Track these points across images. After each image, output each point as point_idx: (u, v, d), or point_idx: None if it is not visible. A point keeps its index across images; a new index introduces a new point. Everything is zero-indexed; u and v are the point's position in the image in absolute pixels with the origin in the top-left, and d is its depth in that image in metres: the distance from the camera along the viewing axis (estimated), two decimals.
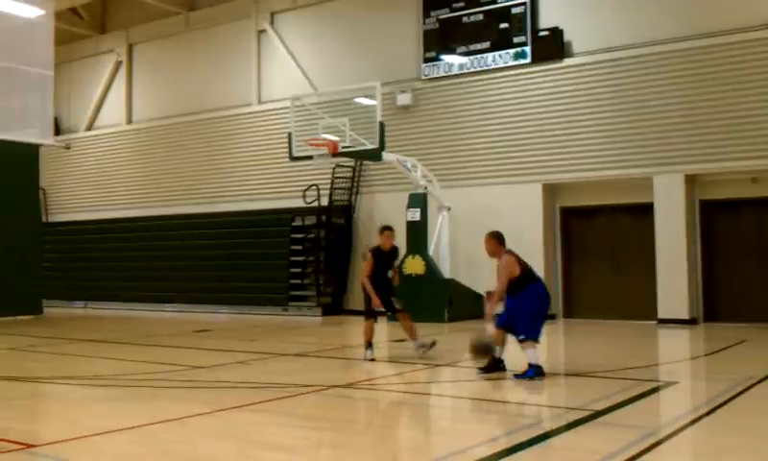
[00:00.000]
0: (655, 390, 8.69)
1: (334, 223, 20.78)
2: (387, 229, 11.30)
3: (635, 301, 17.19)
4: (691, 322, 16.30)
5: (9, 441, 6.15)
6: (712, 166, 16.31)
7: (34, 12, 19.64)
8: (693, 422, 7.04)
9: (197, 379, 9.35)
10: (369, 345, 11.02)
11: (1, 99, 20.17)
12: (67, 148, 26.20)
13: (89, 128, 27.26)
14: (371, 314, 11.06)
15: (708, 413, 7.42)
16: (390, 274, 11.17)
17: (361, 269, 11.20)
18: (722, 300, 16.63)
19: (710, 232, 16.90)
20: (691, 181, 16.74)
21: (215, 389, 8.80)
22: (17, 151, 19.72)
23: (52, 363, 11.75)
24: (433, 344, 11.06)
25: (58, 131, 25.33)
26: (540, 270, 17.48)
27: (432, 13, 19.73)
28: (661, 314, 16.51)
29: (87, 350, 13.19)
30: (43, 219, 24.64)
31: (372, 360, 10.83)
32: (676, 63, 16.65)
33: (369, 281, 10.97)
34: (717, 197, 16.76)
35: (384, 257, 11.14)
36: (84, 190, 27.17)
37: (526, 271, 9.36)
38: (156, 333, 16.04)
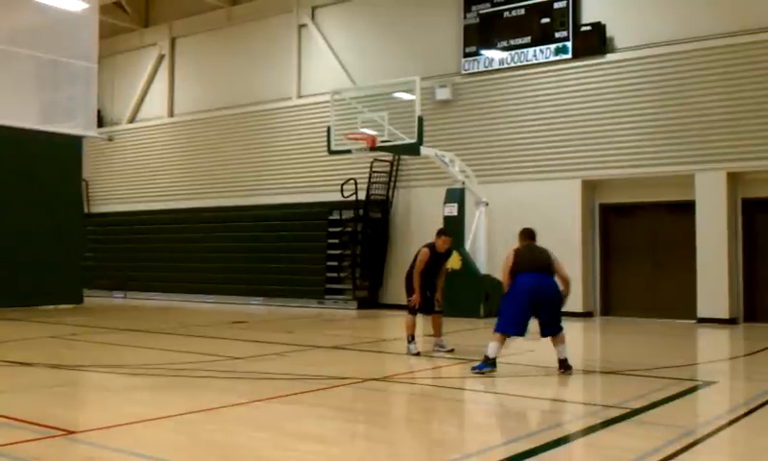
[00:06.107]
0: (693, 389, 8.61)
1: (371, 217, 20.83)
2: (444, 233, 11.41)
3: (674, 299, 17.00)
4: (731, 321, 16.08)
5: (50, 426, 6.27)
6: (755, 164, 16.06)
7: (79, 6, 19.91)
8: (731, 422, 6.97)
9: (234, 370, 9.45)
10: (411, 339, 11.07)
11: (46, 91, 20.57)
12: (110, 140, 26.54)
13: (132, 120, 27.61)
14: (413, 309, 11.13)
15: (747, 414, 7.33)
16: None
17: (416, 264, 11.16)
18: (763, 300, 16.39)
19: (752, 231, 16.65)
20: (734, 178, 16.51)
21: (252, 380, 8.88)
22: (61, 142, 20.07)
23: (92, 351, 11.95)
24: (451, 350, 11.15)
25: (101, 123, 25.65)
26: (577, 267, 17.52)
27: (473, 8, 19.65)
28: (701, 313, 16.31)
29: (127, 339, 13.37)
30: (85, 210, 25.02)
31: (417, 354, 10.86)
32: (719, 60, 16.41)
33: (419, 277, 10.98)
34: (760, 195, 16.51)
35: (437, 258, 11.12)
36: (125, 182, 27.51)
37: (518, 262, 9.43)
38: (194, 324, 16.21)
